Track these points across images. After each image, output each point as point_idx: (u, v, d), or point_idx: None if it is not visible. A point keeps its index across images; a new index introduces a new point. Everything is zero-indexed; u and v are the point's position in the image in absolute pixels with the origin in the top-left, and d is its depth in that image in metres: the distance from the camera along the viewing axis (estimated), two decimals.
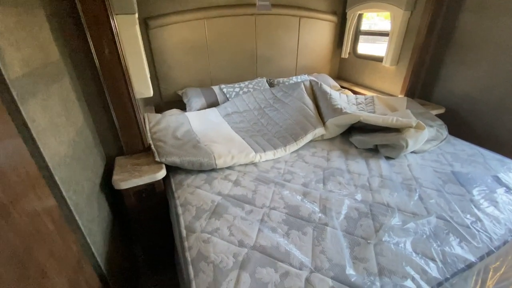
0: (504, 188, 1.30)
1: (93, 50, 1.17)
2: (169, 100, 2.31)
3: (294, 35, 2.53)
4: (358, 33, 2.67)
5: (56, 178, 0.83)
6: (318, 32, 2.63)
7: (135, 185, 1.26)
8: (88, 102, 1.28)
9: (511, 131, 1.82)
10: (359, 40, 2.69)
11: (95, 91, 1.30)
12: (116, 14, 1.25)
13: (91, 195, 1.11)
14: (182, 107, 2.15)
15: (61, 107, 0.98)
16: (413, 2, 2.03)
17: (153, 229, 1.45)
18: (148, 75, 1.63)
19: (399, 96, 2.27)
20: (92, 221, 1.05)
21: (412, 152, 1.61)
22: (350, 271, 0.89)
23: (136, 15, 1.42)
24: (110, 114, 1.35)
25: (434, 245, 0.99)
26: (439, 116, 2.10)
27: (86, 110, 1.27)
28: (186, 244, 1.02)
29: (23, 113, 0.70)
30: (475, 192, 1.27)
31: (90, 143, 1.24)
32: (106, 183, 1.33)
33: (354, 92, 2.64)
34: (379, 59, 2.43)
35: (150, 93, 1.57)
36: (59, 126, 0.94)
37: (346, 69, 2.91)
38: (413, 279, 0.87)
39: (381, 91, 2.50)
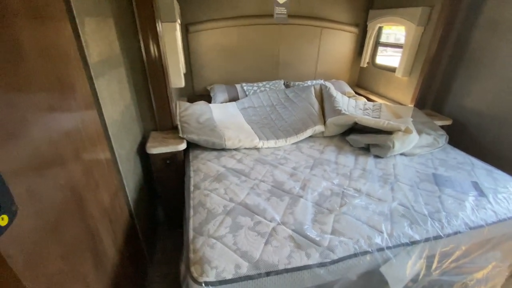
0: (478, 192, 1.42)
1: (143, 48, 1.58)
2: (199, 94, 2.71)
3: (315, 44, 2.78)
4: (377, 44, 2.82)
5: (110, 133, 1.22)
6: (339, 41, 2.85)
7: (162, 152, 1.64)
8: (135, 87, 1.70)
9: (511, 146, 1.86)
10: (378, 51, 2.83)
11: (141, 79, 1.71)
12: (162, 22, 1.65)
13: (130, 154, 1.51)
14: (209, 100, 2.53)
15: (117, 87, 1.39)
16: (426, 19, 2.16)
17: (173, 192, 1.81)
18: (183, 71, 2.03)
19: (409, 105, 2.39)
20: (128, 171, 1.44)
21: (402, 154, 1.77)
22: (308, 228, 1.14)
23: (177, 23, 1.82)
24: (150, 98, 1.76)
25: (387, 222, 1.19)
26: (446, 127, 2.19)
27: (133, 92, 1.68)
28: (191, 195, 1.36)
29: (96, 85, 1.10)
30: (446, 191, 1.42)
31: (133, 117, 1.65)
32: (141, 150, 1.73)
33: (369, 100, 2.79)
34: (393, 70, 2.56)
35: (182, 84, 1.96)
36: (114, 99, 1.34)
37: (365, 77, 3.06)
38: (357, 241, 1.09)
39: (393, 100, 2.63)
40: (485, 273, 1.32)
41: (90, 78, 1.07)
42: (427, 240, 1.15)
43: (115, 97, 1.35)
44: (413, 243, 1.13)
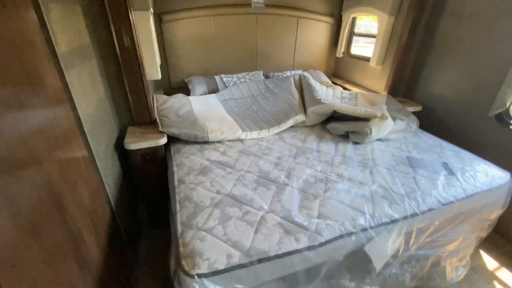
0: (448, 172, 1.53)
1: (115, 39, 1.48)
2: (176, 86, 2.63)
3: (292, 34, 2.79)
4: (352, 34, 2.89)
5: (85, 129, 1.14)
6: (315, 32, 2.88)
7: (141, 147, 1.58)
8: (108, 80, 1.60)
9: (477, 129, 2.01)
10: (353, 41, 2.91)
11: (114, 71, 1.62)
12: (134, 10, 1.56)
13: (107, 150, 1.44)
14: (187, 93, 2.45)
15: (89, 80, 1.30)
16: (397, 8, 2.25)
17: (155, 189, 1.76)
18: (158, 62, 1.95)
19: (383, 93, 2.49)
20: (106, 169, 1.37)
21: (378, 140, 1.86)
22: (296, 214, 1.16)
23: (150, 11, 1.73)
24: (125, 92, 1.67)
25: (368, 204, 1.25)
26: (417, 112, 2.33)
27: (107, 86, 1.59)
28: (176, 190, 1.32)
29: (66, 78, 1.02)
30: (420, 172, 1.51)
31: (108, 112, 1.56)
32: (119, 147, 1.65)
33: (345, 89, 2.87)
34: (368, 59, 2.65)
35: (159, 76, 1.88)
36: (87, 93, 1.26)
37: (341, 67, 3.14)
38: (342, 223, 1.14)
39: (368, 88, 2.73)
40: (456, 245, 1.44)
41: (60, 70, 0.99)
42: (405, 218, 1.23)
43: (88, 91, 1.27)
44: (393, 221, 1.21)
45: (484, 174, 1.51)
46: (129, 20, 1.45)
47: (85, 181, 1.06)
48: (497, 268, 1.74)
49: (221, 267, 0.94)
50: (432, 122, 2.30)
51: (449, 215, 1.38)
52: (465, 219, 1.49)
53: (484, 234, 1.66)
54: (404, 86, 2.51)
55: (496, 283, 1.64)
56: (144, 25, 1.69)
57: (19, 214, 0.62)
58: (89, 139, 1.17)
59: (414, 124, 2.04)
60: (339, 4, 2.83)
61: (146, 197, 1.81)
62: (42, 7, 0.89)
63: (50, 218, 0.75)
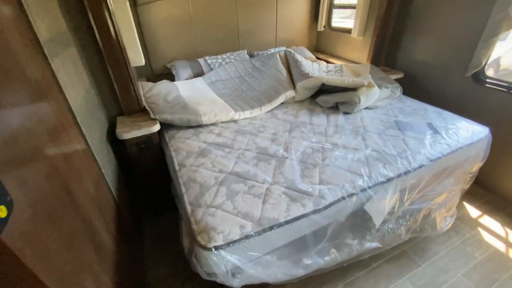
0: (433, 131, 1.63)
1: (93, 25, 1.41)
2: (159, 73, 2.54)
3: (273, 10, 2.74)
4: (332, 6, 2.88)
5: (78, 119, 1.11)
6: (295, 6, 2.84)
7: (135, 136, 1.55)
8: (91, 68, 1.54)
9: (456, 90, 2.13)
10: (333, 14, 2.91)
11: (96, 60, 1.55)
12: None
13: (101, 140, 1.40)
14: (171, 79, 2.39)
15: (73, 69, 1.25)
16: None
17: (153, 176, 1.75)
18: (140, 47, 1.86)
19: (366, 63, 2.55)
20: (103, 159, 1.35)
21: (366, 108, 1.93)
22: (299, 182, 1.22)
23: None
24: (110, 80, 1.61)
25: (364, 167, 1.32)
26: (399, 79, 2.41)
27: (90, 75, 1.52)
28: (179, 174, 1.33)
29: (52, 66, 0.97)
30: (408, 133, 1.60)
31: (95, 102, 1.51)
32: (111, 138, 1.61)
33: (329, 63, 2.90)
34: (349, 31, 2.67)
35: (142, 61, 1.81)
36: (74, 82, 1.20)
37: (323, 41, 3.15)
38: (343, 186, 1.20)
39: (351, 60, 2.78)
40: (444, 197, 1.56)
41: (45, 58, 0.94)
42: (399, 176, 1.32)
43: (74, 80, 1.22)
44: (389, 180, 1.29)
45: (465, 131, 1.62)
46: (107, 4, 1.37)
47: (88, 171, 1.05)
48: (480, 216, 1.91)
49: (236, 237, 0.98)
50: (414, 88, 2.40)
51: (437, 170, 1.48)
52: (450, 173, 1.61)
53: (466, 186, 1.80)
54: (384, 55, 2.57)
55: (479, 229, 1.81)
56: (122, 8, 1.60)
57: (37, 203, 0.61)
58: (84, 131, 1.14)
59: (398, 90, 2.12)
60: None
61: (144, 186, 1.80)
62: None
63: (63, 206, 0.75)
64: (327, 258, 1.25)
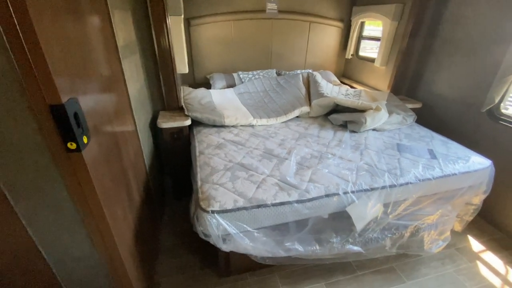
0: (431, 156, 1.74)
1: (154, 38, 1.86)
2: (199, 82, 3.00)
3: (304, 37, 3.08)
4: (360, 37, 3.13)
5: (132, 107, 1.51)
6: (326, 35, 3.15)
7: (170, 126, 1.93)
8: (147, 71, 1.98)
9: (469, 124, 2.18)
10: (361, 44, 3.14)
11: (151, 65, 2.00)
12: (170, 15, 1.92)
13: (145, 126, 1.81)
14: (208, 87, 2.81)
15: (135, 69, 1.68)
16: (399, 14, 2.47)
17: (179, 162, 2.11)
18: (186, 58, 2.31)
19: (385, 91, 2.70)
20: (144, 139, 1.73)
21: (374, 129, 2.09)
22: (291, 177, 1.45)
23: (182, 16, 2.10)
24: (159, 82, 2.04)
25: (353, 175, 1.51)
26: (417, 109, 2.52)
27: (145, 76, 1.97)
28: (197, 158, 1.66)
29: (123, 65, 1.38)
30: (405, 155, 1.74)
31: (146, 97, 1.94)
32: (152, 126, 2.02)
33: (352, 87, 3.10)
34: (373, 60, 2.87)
35: (186, 70, 2.24)
36: (133, 79, 1.63)
37: (350, 68, 3.37)
38: (328, 187, 1.40)
39: (374, 87, 2.94)
40: (434, 219, 1.64)
41: (118, 59, 1.35)
42: (383, 187, 1.47)
43: (134, 77, 1.64)
44: (373, 189, 1.45)
45: (465, 160, 1.70)
46: (166, 24, 1.82)
47: (132, 144, 1.42)
48: (482, 251, 1.90)
49: (229, 207, 1.24)
50: (431, 118, 2.48)
51: (427, 192, 1.59)
52: (446, 199, 1.68)
53: (469, 218, 1.83)
54: (407, 85, 2.70)
55: (478, 262, 1.80)
56: (177, 27, 2.05)
57: (101, 145, 0.96)
58: (134, 114, 1.53)
59: (411, 118, 2.24)
60: (349, 10, 3.08)
61: (170, 170, 2.17)
62: (111, 12, 1.26)
63: (114, 155, 1.10)
64: (308, 248, 1.43)
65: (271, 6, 2.12)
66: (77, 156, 0.80)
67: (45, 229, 0.90)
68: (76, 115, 0.78)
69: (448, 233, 1.74)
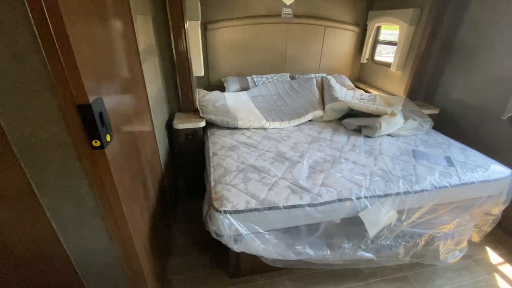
0: (448, 163, 1.70)
1: (172, 42, 1.92)
2: (214, 84, 3.05)
3: (319, 41, 3.08)
4: (376, 42, 3.09)
5: (150, 106, 1.56)
6: (341, 39, 3.14)
7: (185, 127, 1.98)
8: (165, 73, 2.05)
9: (488, 131, 2.11)
10: (377, 48, 3.11)
11: (169, 68, 2.06)
12: (188, 20, 1.98)
13: (161, 127, 1.86)
14: (222, 90, 2.85)
15: (153, 71, 1.74)
16: (417, 19, 2.43)
17: (192, 163, 2.15)
18: (202, 62, 2.37)
19: (401, 96, 2.65)
20: (160, 139, 1.79)
21: (389, 135, 2.06)
22: (303, 181, 1.45)
23: (199, 21, 2.16)
24: (176, 84, 2.10)
25: (366, 180, 1.49)
26: (434, 115, 2.46)
27: (163, 78, 2.03)
28: (211, 159, 1.69)
29: (143, 68, 1.44)
30: (421, 161, 1.70)
31: (163, 98, 2.00)
32: (168, 127, 2.08)
33: (367, 92, 3.06)
34: (389, 65, 2.83)
35: (202, 73, 2.30)
36: (152, 81, 1.68)
37: (365, 72, 3.34)
38: (340, 191, 1.40)
39: (390, 92, 2.90)
40: (450, 228, 1.59)
41: (139, 62, 1.41)
42: (398, 194, 1.45)
43: (152, 79, 1.70)
44: (386, 195, 1.43)
45: (484, 168, 1.65)
46: (185, 28, 1.88)
47: (149, 143, 1.47)
48: (501, 263, 1.82)
49: (241, 208, 1.26)
50: (450, 125, 2.42)
51: (443, 200, 1.54)
52: (464, 209, 1.63)
53: (488, 228, 1.77)
54: (424, 91, 2.64)
55: (496, 274, 1.73)
56: (194, 32, 2.11)
57: (122, 143, 1.01)
58: (152, 115, 1.59)
59: (427, 124, 2.19)
60: (364, 15, 3.06)
61: (184, 170, 2.22)
62: (133, 18, 1.32)
63: (133, 154, 1.14)
64: (319, 252, 1.42)
65: (287, 11, 2.15)
66: (101, 153, 0.84)
67: (67, 222, 0.95)
68: (100, 114, 0.82)
69: (465, 243, 1.68)
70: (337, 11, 2.99)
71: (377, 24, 2.91)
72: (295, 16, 2.82)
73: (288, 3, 2.13)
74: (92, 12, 0.85)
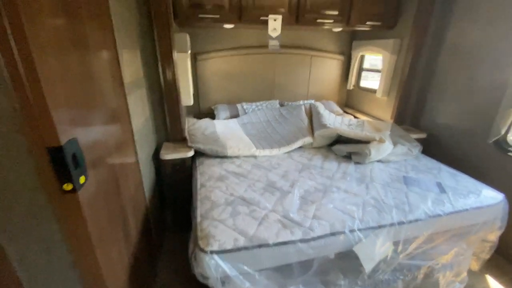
0: (440, 190, 1.68)
1: (160, 73, 1.93)
2: (204, 112, 3.05)
3: (306, 69, 3.17)
4: (361, 69, 3.21)
5: (135, 140, 1.52)
6: (327, 67, 3.24)
7: (173, 158, 1.93)
8: (152, 104, 2.03)
9: (476, 155, 2.13)
10: (362, 75, 3.22)
11: (157, 98, 2.05)
12: (177, 52, 2.01)
13: (147, 159, 1.80)
14: (213, 118, 2.85)
15: (140, 102, 1.72)
16: (398, 48, 2.54)
17: (180, 194, 2.07)
18: (191, 92, 2.38)
19: (389, 121, 2.70)
20: (145, 173, 1.72)
21: (379, 161, 2.05)
22: (294, 213, 1.39)
23: (188, 52, 2.20)
24: (164, 114, 2.09)
25: (359, 210, 1.44)
26: (422, 139, 2.49)
27: (151, 109, 2.01)
28: (198, 192, 1.62)
29: (128, 101, 1.42)
30: (413, 189, 1.68)
31: (150, 129, 1.97)
32: (155, 158, 2.02)
33: (356, 118, 3.11)
34: (375, 91, 2.91)
35: (191, 102, 2.30)
36: (138, 112, 1.66)
37: (352, 98, 3.42)
38: (333, 223, 1.34)
39: (377, 117, 2.95)
40: (449, 258, 1.53)
41: (123, 95, 1.39)
42: (392, 225, 1.40)
43: (139, 111, 1.68)
44: (380, 226, 1.38)
45: (476, 194, 1.63)
46: (173, 60, 1.90)
47: (133, 177, 1.41)
48: None
49: (229, 247, 1.18)
50: (437, 148, 2.44)
51: (438, 229, 1.50)
52: (460, 237, 1.59)
53: (486, 256, 1.71)
54: (410, 115, 2.70)
55: None
56: (183, 63, 2.14)
57: (98, 184, 0.95)
58: (137, 148, 1.54)
59: (416, 149, 2.20)
60: (349, 44, 3.20)
61: (171, 202, 2.13)
62: (118, 52, 1.32)
63: (112, 194, 1.08)
64: None
65: (273, 43, 2.22)
66: (73, 197, 0.78)
67: (36, 274, 0.85)
68: (74, 155, 0.78)
69: (465, 273, 1.62)
70: (322, 42, 3.12)
71: (361, 53, 3.04)
72: (282, 46, 2.90)
73: (274, 35, 2.21)
74: (69, 46, 0.83)
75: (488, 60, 2.02)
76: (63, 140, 0.73)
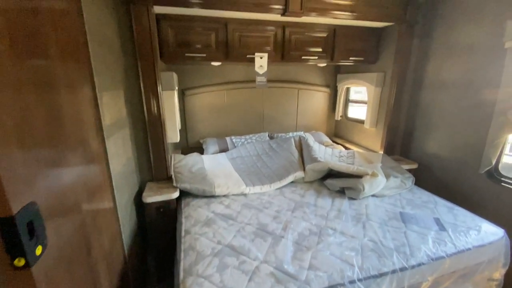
0: (440, 227, 1.60)
1: (145, 112, 1.87)
2: (193, 146, 2.98)
3: (294, 102, 3.20)
4: (347, 101, 3.27)
5: (114, 184, 1.40)
6: (314, 99, 3.29)
7: (156, 200, 1.80)
8: (136, 143, 1.94)
9: (469, 185, 2.10)
10: (349, 106, 3.27)
11: (141, 136, 1.97)
12: (163, 90, 1.98)
13: (128, 203, 1.67)
14: (202, 151, 2.77)
15: (121, 143, 1.63)
16: (382, 81, 2.61)
17: (164, 240, 1.91)
18: (178, 128, 2.31)
19: (379, 152, 2.68)
20: (125, 219, 1.58)
21: (374, 195, 1.98)
22: (288, 264, 1.27)
23: (175, 90, 2.17)
24: (148, 153, 1.99)
25: (358, 256, 1.33)
26: (413, 170, 2.46)
27: (134, 148, 1.92)
28: (182, 240, 1.48)
29: (106, 145, 1.33)
30: (411, 227, 1.59)
31: (133, 169, 1.85)
32: (138, 199, 1.88)
33: (346, 148, 3.10)
34: (363, 122, 2.94)
35: (177, 139, 2.22)
36: (119, 154, 1.56)
37: (340, 128, 3.44)
38: (331, 275, 1.22)
39: (366, 147, 2.94)
40: None
41: (102, 139, 1.31)
42: (394, 271, 1.29)
43: (120, 152, 1.58)
44: (382, 275, 1.27)
45: (476, 230, 1.56)
46: (159, 98, 1.85)
47: (108, 228, 1.27)
48: None
49: None
50: (429, 179, 2.41)
51: (442, 272, 1.40)
52: (465, 278, 1.49)
53: None
54: (400, 145, 2.70)
55: None
56: (169, 100, 2.10)
57: (62, 248, 0.82)
58: (115, 193, 1.42)
59: (409, 181, 2.16)
60: (334, 77, 3.29)
61: (155, 248, 1.95)
62: (97, 95, 1.25)
63: (80, 255, 0.94)
64: None
65: (260, 79, 2.24)
66: (26, 274, 0.66)
67: None
68: (30, 223, 0.67)
69: None
70: (307, 75, 3.20)
71: (346, 86, 3.11)
72: (270, 81, 2.95)
73: (261, 72, 2.23)
74: (30, 88, 0.75)
75: (469, 92, 2.07)
76: (16, 208, 0.62)
